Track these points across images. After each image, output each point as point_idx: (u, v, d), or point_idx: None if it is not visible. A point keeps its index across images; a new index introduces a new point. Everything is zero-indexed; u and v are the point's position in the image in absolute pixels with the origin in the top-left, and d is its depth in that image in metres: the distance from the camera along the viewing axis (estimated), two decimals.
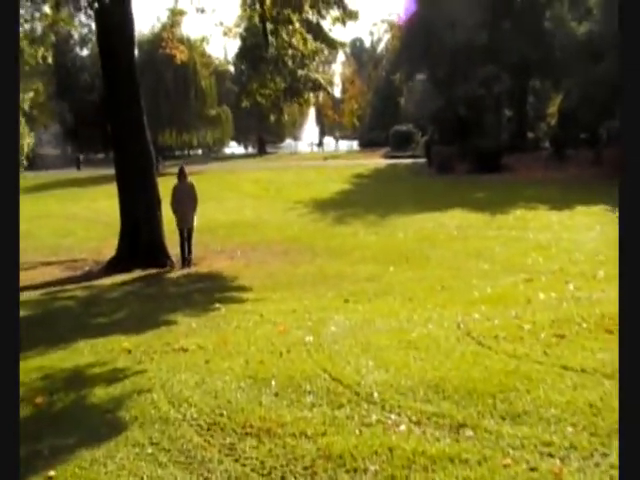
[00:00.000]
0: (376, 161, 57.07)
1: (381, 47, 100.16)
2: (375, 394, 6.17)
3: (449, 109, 47.20)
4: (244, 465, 5.05)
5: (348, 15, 18.19)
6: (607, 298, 9.68)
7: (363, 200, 31.32)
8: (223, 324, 9.73)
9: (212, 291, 13.20)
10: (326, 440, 5.31)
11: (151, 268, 16.04)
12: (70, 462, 5.23)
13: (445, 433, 5.33)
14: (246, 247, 18.81)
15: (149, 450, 5.36)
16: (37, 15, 20.03)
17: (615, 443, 4.89)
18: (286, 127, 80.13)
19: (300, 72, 18.88)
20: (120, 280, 14.89)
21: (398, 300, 11.15)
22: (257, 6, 17.40)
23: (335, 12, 17.95)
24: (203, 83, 72.56)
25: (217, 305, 11.26)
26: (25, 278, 15.06)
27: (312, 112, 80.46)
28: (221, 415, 5.94)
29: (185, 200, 16.63)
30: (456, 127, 46.98)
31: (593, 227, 18.61)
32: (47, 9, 18.97)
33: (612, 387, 5.90)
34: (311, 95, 20.44)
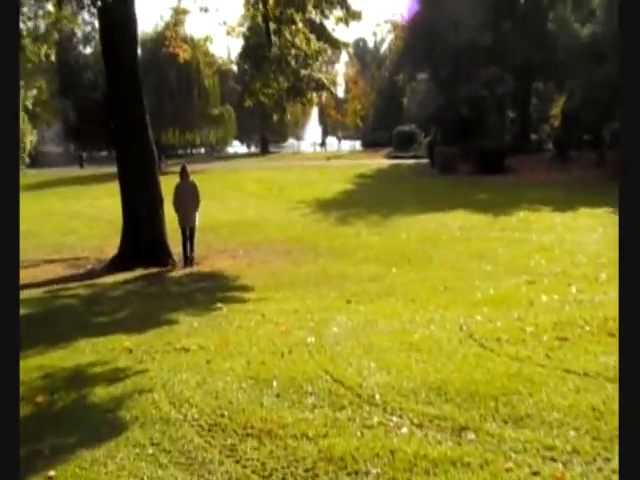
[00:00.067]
0: (379, 161, 57.06)
1: (384, 47, 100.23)
2: (377, 396, 6.14)
3: (452, 110, 47.18)
4: (245, 467, 5.03)
5: (351, 15, 18.19)
6: (610, 301, 9.64)
7: (366, 200, 31.31)
8: (225, 324, 9.70)
9: (214, 290, 13.18)
10: (327, 442, 5.28)
11: (153, 267, 16.04)
12: (70, 462, 5.21)
13: (447, 436, 5.30)
14: (248, 246, 18.80)
15: (150, 451, 5.33)
16: (40, 13, 20.05)
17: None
18: (289, 127, 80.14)
19: (303, 72, 18.88)
20: (122, 279, 14.88)
21: (400, 301, 11.12)
22: (260, 6, 17.38)
23: (338, 12, 17.95)
24: (206, 82, 72.61)
25: (219, 305, 11.23)
26: (27, 276, 15.08)
27: (315, 112, 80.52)
28: (222, 416, 5.92)
29: (187, 199, 16.62)
30: (459, 128, 47.00)
31: (596, 229, 18.57)
32: (50, 7, 18.96)
33: (615, 391, 5.86)
34: (314, 95, 20.42)
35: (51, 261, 17.64)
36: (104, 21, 16.94)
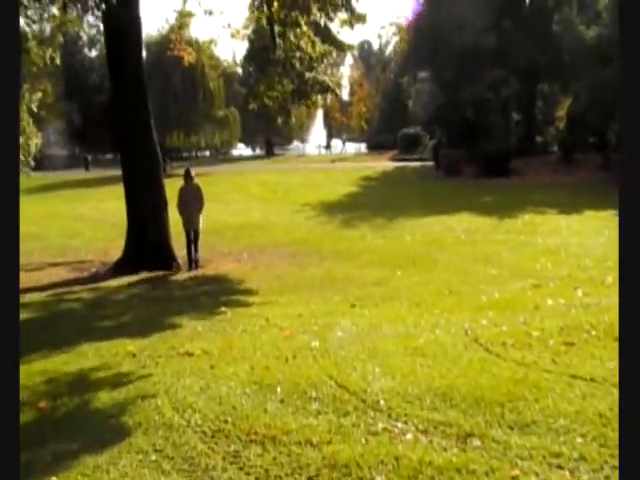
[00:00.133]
0: (384, 164, 57.01)
1: (389, 50, 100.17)
2: (381, 402, 6.10)
3: (456, 112, 47.12)
4: (248, 474, 4.99)
5: (356, 18, 18.13)
6: (616, 305, 9.55)
7: (371, 203, 31.28)
8: (229, 328, 9.66)
9: (218, 294, 13.15)
10: (332, 448, 5.24)
11: (157, 270, 16.02)
12: (72, 468, 5.17)
13: (452, 443, 5.25)
14: (253, 249, 18.77)
15: (152, 457, 5.30)
16: (45, 16, 20.07)
17: None
18: (294, 129, 79.99)
19: (308, 74, 18.81)
20: (126, 282, 14.86)
21: (405, 305, 11.08)
22: (265, 8, 17.35)
23: (343, 15, 17.90)
24: (211, 85, 72.56)
25: (223, 308, 11.20)
26: (32, 279, 15.11)
27: (320, 114, 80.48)
28: (226, 422, 5.88)
29: (191, 201, 16.60)
30: (464, 130, 46.94)
31: (602, 232, 18.48)
32: (55, 10, 18.97)
33: None
34: (319, 97, 20.35)
35: (55, 264, 17.63)
36: (109, 24, 16.92)
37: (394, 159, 61.33)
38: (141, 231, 16.64)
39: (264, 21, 18.13)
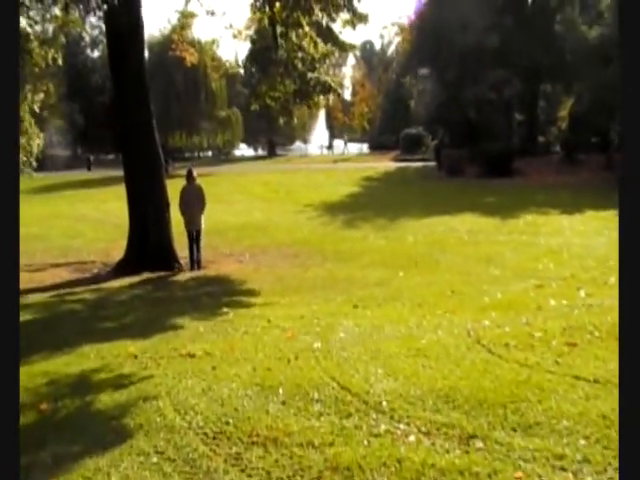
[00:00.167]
0: (386, 164, 56.96)
1: (391, 50, 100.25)
2: (384, 403, 6.08)
3: (459, 112, 47.11)
4: (250, 476, 4.97)
5: (358, 18, 18.12)
6: None
7: (373, 203, 31.27)
8: (231, 329, 9.63)
9: (220, 295, 13.13)
10: (334, 450, 5.22)
11: (159, 270, 15.99)
12: (73, 471, 5.15)
13: (455, 444, 5.23)
14: (255, 250, 18.75)
15: (154, 459, 5.27)
16: (47, 17, 20.06)
17: None
18: (296, 130, 79.99)
19: (310, 75, 18.74)
20: (128, 283, 14.83)
21: (407, 306, 11.05)
22: (267, 9, 17.33)
23: (345, 15, 17.87)
24: (213, 85, 72.65)
25: (225, 309, 11.18)
26: (34, 280, 15.11)
27: (322, 115, 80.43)
28: (227, 423, 5.86)
29: (193, 202, 16.59)
30: (466, 130, 46.94)
31: (604, 232, 18.43)
32: (57, 11, 18.95)
33: None
34: (321, 98, 20.30)
35: (57, 265, 17.61)
36: (110, 25, 16.91)
37: (396, 159, 61.29)
38: (143, 232, 16.62)
39: (266, 21, 18.09)
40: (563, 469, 4.77)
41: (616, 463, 4.78)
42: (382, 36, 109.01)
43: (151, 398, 6.57)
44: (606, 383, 6.28)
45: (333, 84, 19.91)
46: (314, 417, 5.90)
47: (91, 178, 53.36)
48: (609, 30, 41.88)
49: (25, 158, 19.35)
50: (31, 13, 18.57)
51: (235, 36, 20.81)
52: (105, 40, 21.16)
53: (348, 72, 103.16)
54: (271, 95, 19.76)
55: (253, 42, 51.73)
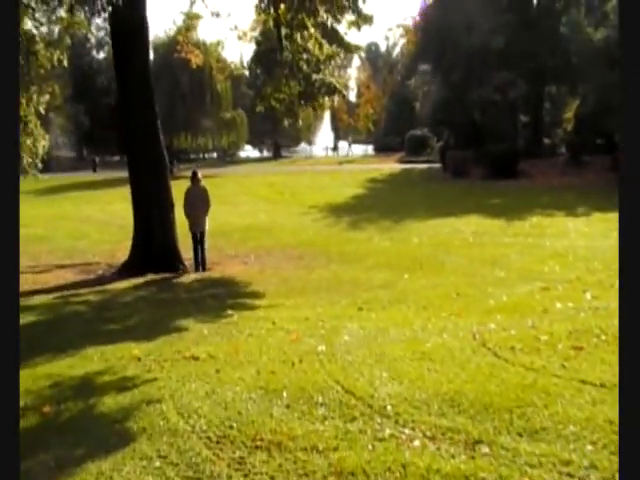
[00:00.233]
0: (391, 166, 56.94)
1: (396, 51, 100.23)
2: (389, 407, 6.02)
3: (464, 114, 47.07)
4: None
5: (363, 19, 18.08)
6: None
7: (378, 205, 31.25)
8: (235, 332, 9.59)
9: (225, 297, 13.10)
10: (338, 455, 5.16)
11: (164, 272, 15.97)
12: (76, 475, 5.11)
13: (460, 449, 5.17)
14: (260, 251, 18.74)
15: (157, 463, 5.22)
16: (53, 18, 20.07)
17: None
18: (301, 131, 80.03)
19: (315, 76, 18.74)
20: (133, 284, 14.81)
21: (412, 308, 11.01)
22: (272, 10, 17.30)
23: (350, 16, 17.84)
24: (218, 87, 72.65)
25: (229, 311, 11.14)
26: (39, 281, 15.13)
27: (327, 116, 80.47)
28: (231, 427, 5.81)
29: (198, 203, 16.57)
30: (471, 132, 46.90)
31: (610, 234, 18.33)
32: (63, 12, 18.96)
33: None
34: (326, 99, 20.29)
35: (62, 266, 17.61)
36: (115, 26, 16.91)
37: (401, 161, 61.29)
38: (148, 233, 16.60)
39: (271, 23, 18.08)
40: (570, 475, 4.70)
41: None
42: (387, 38, 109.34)
43: (154, 401, 6.53)
44: (613, 387, 6.21)
45: (338, 85, 19.91)
46: (318, 421, 5.85)
47: (96, 179, 53.44)
48: (615, 32, 41.74)
49: (30, 159, 19.33)
50: (37, 15, 18.60)
51: (240, 38, 20.77)
52: (110, 41, 21.16)
53: (353, 74, 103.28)
54: (276, 97, 19.76)
55: (258, 44, 51.69)
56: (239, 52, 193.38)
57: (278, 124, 56.83)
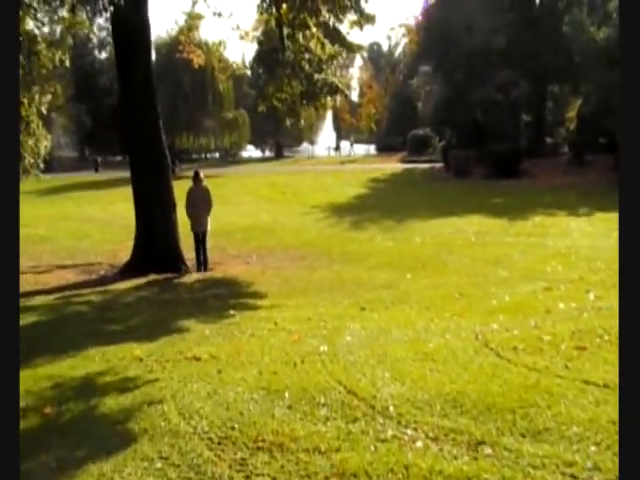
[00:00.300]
0: (393, 165, 56.90)
1: (398, 51, 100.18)
2: (391, 408, 6.00)
3: (466, 113, 47.04)
4: None
5: (365, 19, 18.05)
6: None
7: (380, 205, 31.22)
8: (237, 332, 9.57)
9: (227, 297, 13.07)
10: (340, 456, 5.14)
11: (166, 272, 15.94)
12: (77, 476, 5.09)
13: (463, 451, 5.14)
14: (262, 251, 18.72)
15: (158, 465, 5.20)
16: (55, 18, 20.07)
17: None
18: (303, 131, 79.89)
19: (317, 76, 18.68)
20: (135, 284, 14.79)
21: (415, 308, 10.98)
22: (273, 10, 17.27)
23: (352, 16, 17.80)
24: (220, 87, 72.64)
25: (231, 312, 11.12)
26: (40, 282, 15.11)
27: (329, 116, 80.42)
28: (233, 428, 5.79)
29: (200, 203, 16.55)
30: (473, 132, 46.87)
31: (613, 234, 18.27)
32: (64, 12, 18.96)
33: None
34: (328, 99, 20.24)
35: (64, 266, 17.60)
36: (117, 26, 16.89)
37: (403, 161, 61.22)
38: (150, 233, 16.58)
39: (273, 23, 18.05)
40: (573, 476, 4.68)
41: None
42: (389, 37, 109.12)
43: (156, 402, 6.52)
44: (616, 388, 6.16)
45: (340, 85, 19.85)
46: (320, 422, 5.82)
47: (98, 179, 53.44)
48: (617, 31, 41.72)
49: (32, 160, 19.32)
50: (38, 15, 18.59)
51: (242, 37, 20.86)
52: (112, 41, 21.16)
53: (355, 73, 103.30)
54: (278, 96, 19.70)
55: (260, 43, 51.86)
56: (241, 52, 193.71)
57: (280, 124, 56.76)
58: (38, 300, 12.99)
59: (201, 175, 17.04)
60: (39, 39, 18.92)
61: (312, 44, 17.60)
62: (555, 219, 23.59)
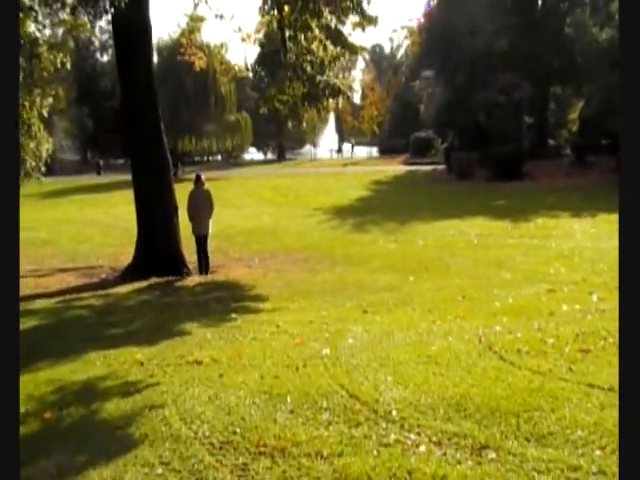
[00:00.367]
0: (395, 168, 56.84)
1: (401, 53, 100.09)
2: (394, 412, 5.95)
3: (468, 116, 46.98)
4: None
5: (367, 20, 18.02)
6: None
7: (382, 207, 31.17)
8: (238, 335, 9.53)
9: (228, 300, 13.03)
10: (342, 461, 5.10)
11: (167, 275, 15.89)
12: None
13: (467, 455, 5.10)
14: (264, 254, 18.67)
15: (159, 470, 5.16)
16: (56, 21, 20.06)
17: None
18: (305, 133, 79.99)
19: (319, 78, 18.64)
20: (136, 288, 14.74)
21: (418, 311, 10.94)
22: (275, 12, 17.25)
23: (354, 18, 17.78)
24: (222, 89, 72.70)
25: (233, 315, 11.09)
26: (41, 285, 15.07)
27: (332, 118, 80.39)
28: (234, 433, 5.74)
29: (201, 206, 16.50)
30: (476, 134, 46.80)
31: (616, 235, 18.15)
32: (65, 15, 18.93)
33: None
34: (330, 101, 20.20)
35: (65, 270, 17.55)
36: (119, 29, 16.87)
37: (406, 163, 61.16)
38: (151, 236, 16.54)
39: (275, 25, 18.03)
40: None
41: None
42: (392, 39, 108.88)
43: (157, 406, 6.47)
44: None
45: (342, 87, 19.79)
46: (323, 426, 5.78)
47: (100, 183, 53.40)
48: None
49: (34, 163, 19.27)
50: (39, 17, 18.55)
51: (244, 40, 20.72)
52: (114, 44, 21.14)
53: (358, 75, 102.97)
54: (280, 99, 19.67)
55: (262, 46, 51.72)
56: (243, 54, 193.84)
57: (282, 126, 56.80)
58: (39, 304, 12.94)
59: (202, 178, 17.00)
60: (40, 42, 18.88)
61: (314, 46, 17.59)
62: (558, 221, 23.53)
